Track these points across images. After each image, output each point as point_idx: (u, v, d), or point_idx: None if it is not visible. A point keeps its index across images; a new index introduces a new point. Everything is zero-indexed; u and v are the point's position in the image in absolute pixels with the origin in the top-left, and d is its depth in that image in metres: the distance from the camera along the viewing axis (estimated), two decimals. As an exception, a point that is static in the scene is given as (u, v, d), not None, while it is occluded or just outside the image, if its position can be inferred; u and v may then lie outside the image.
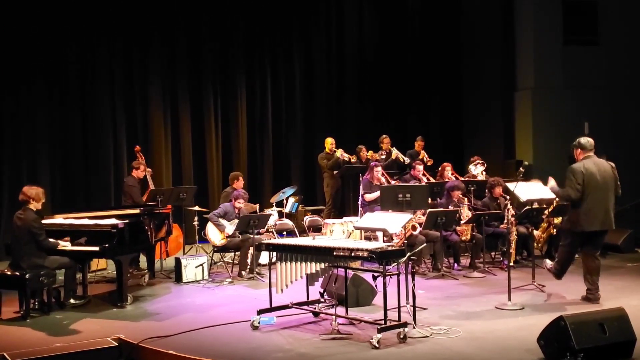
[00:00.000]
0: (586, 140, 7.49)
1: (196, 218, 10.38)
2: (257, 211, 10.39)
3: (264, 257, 9.47)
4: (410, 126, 14.34)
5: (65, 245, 7.54)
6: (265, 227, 9.64)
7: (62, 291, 7.68)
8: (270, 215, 9.84)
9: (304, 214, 12.08)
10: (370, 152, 12.18)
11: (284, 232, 10.93)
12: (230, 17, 13.11)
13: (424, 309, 7.12)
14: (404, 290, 6.52)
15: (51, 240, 7.42)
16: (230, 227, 9.21)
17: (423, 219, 8.99)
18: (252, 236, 8.98)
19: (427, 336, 6.17)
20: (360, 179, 10.91)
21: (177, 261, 9.12)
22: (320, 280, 7.08)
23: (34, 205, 7.43)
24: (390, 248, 6.18)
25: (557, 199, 8.25)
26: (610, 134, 13.36)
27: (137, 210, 8.55)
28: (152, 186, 10.23)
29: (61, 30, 11.66)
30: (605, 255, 10.41)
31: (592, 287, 7.46)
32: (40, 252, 7.32)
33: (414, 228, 8.85)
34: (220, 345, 6.13)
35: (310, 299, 7.04)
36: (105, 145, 12.01)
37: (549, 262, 7.88)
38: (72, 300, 7.50)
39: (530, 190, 8.43)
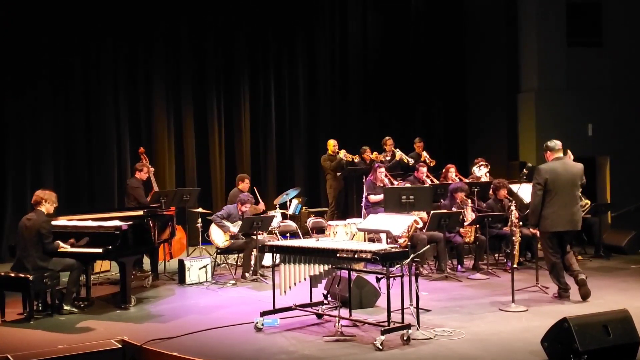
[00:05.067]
0: (554, 143, 7.71)
1: (199, 220, 10.38)
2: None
3: (268, 259, 9.47)
4: (415, 128, 14.31)
5: (65, 247, 7.54)
6: (269, 229, 9.65)
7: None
8: (273, 217, 9.85)
9: (307, 216, 12.07)
10: (375, 153, 12.18)
11: (288, 234, 10.93)
12: (233, 19, 13.11)
13: (428, 310, 7.10)
14: (408, 292, 6.51)
15: (54, 243, 7.43)
16: (234, 228, 9.22)
17: (424, 215, 8.99)
18: (255, 238, 8.99)
19: (430, 338, 6.17)
20: (364, 180, 10.92)
21: (181, 263, 9.12)
22: (324, 282, 7.07)
23: (46, 208, 7.48)
24: (393, 250, 6.19)
25: None
26: (614, 135, 13.36)
27: (140, 212, 8.56)
28: (155, 188, 10.24)
29: (65, 33, 11.68)
30: (609, 257, 10.43)
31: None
32: (45, 254, 7.34)
33: (416, 222, 8.83)
34: (223, 347, 6.13)
35: (313, 301, 7.05)
36: (109, 147, 12.01)
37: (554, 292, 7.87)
38: (67, 307, 7.47)
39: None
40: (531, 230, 7.83)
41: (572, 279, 7.65)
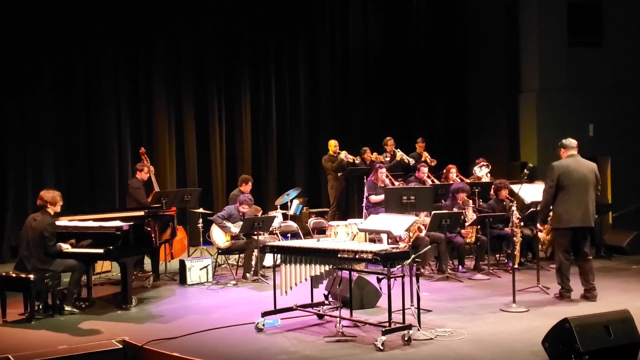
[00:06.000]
0: (569, 141, 7.72)
1: (200, 220, 10.39)
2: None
3: (269, 259, 9.47)
4: (415, 128, 14.32)
5: (67, 247, 7.55)
6: (270, 230, 9.64)
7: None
8: (274, 217, 9.84)
9: (308, 216, 12.07)
10: (375, 153, 12.19)
11: (288, 234, 10.93)
12: (234, 19, 13.11)
13: (429, 311, 7.10)
14: (409, 292, 6.51)
15: (56, 246, 7.43)
16: (235, 229, 9.22)
17: (427, 220, 8.98)
18: (256, 238, 8.99)
19: (431, 338, 6.16)
20: (365, 180, 10.92)
21: (182, 263, 9.12)
22: (325, 282, 7.07)
23: (52, 209, 7.49)
24: (394, 250, 6.19)
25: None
26: (615, 136, 13.36)
27: (141, 213, 8.56)
28: (156, 188, 10.24)
29: (66, 34, 11.68)
30: (610, 257, 10.43)
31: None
32: (47, 255, 7.34)
33: (419, 230, 8.85)
34: (224, 347, 6.13)
35: (314, 301, 7.04)
36: (109, 147, 12.02)
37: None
38: (68, 308, 7.47)
39: (535, 192, 8.43)
40: (539, 226, 7.78)
41: (575, 279, 7.66)
